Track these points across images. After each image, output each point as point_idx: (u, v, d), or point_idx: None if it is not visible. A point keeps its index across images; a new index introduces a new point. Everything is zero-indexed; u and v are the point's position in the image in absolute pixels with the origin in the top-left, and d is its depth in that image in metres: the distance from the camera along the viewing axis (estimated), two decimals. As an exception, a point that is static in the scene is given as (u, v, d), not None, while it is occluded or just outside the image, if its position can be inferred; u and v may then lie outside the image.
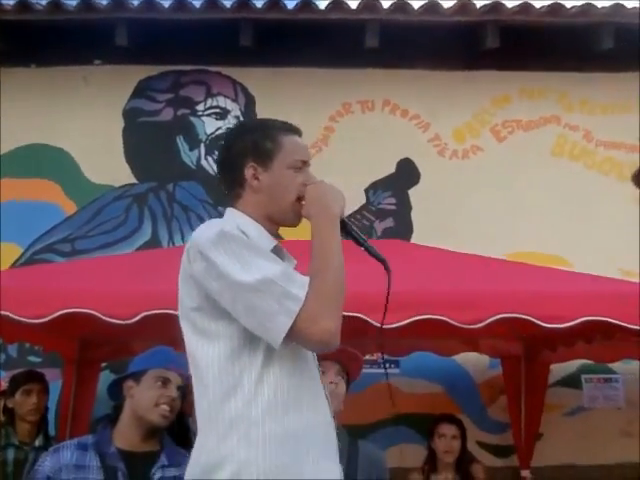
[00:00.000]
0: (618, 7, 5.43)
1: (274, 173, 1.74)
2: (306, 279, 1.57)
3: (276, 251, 1.72)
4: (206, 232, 1.62)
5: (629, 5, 5.49)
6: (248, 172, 1.74)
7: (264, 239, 1.71)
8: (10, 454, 3.69)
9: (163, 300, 3.10)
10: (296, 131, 1.81)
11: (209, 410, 1.60)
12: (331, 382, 2.57)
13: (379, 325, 3.18)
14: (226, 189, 1.80)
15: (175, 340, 3.55)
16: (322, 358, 2.58)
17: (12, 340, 4.41)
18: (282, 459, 1.54)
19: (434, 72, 5.74)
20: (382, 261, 1.73)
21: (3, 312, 3.13)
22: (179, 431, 3.46)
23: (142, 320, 3.07)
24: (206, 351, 1.61)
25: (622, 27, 5.46)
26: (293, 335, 1.53)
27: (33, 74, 5.73)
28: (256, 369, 1.58)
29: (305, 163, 1.77)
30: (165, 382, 2.60)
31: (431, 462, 4.07)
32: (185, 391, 2.68)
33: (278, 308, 1.53)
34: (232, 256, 1.57)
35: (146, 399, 2.57)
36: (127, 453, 2.53)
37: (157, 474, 2.52)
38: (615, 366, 5.07)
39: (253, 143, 1.75)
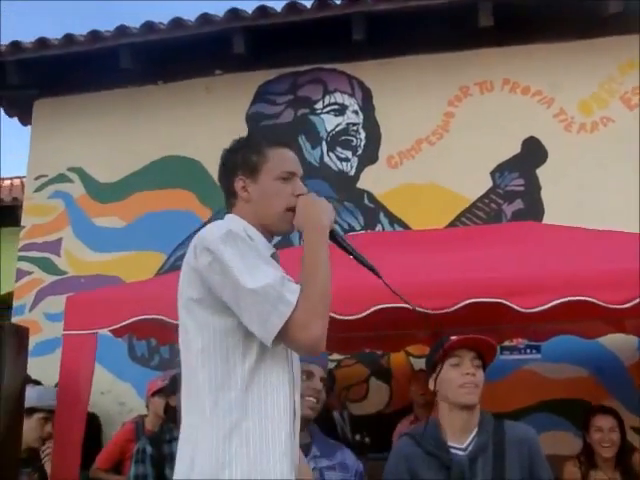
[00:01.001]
0: None
1: (262, 184, 1.85)
2: (298, 286, 1.67)
3: (274, 258, 1.82)
4: (214, 230, 1.73)
5: None
6: (237, 184, 1.87)
7: (263, 245, 1.81)
8: (175, 448, 3.91)
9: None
10: (284, 144, 1.92)
11: (199, 400, 1.70)
12: (467, 373, 2.55)
13: (520, 309, 3.16)
14: (225, 198, 1.93)
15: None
16: (458, 347, 2.60)
17: (166, 341, 4.66)
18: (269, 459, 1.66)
19: (552, 45, 5.54)
20: (371, 269, 1.82)
21: (158, 316, 3.33)
22: (326, 422, 3.56)
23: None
24: (203, 341, 1.71)
25: None
26: (283, 338, 1.63)
27: (160, 90, 6.05)
28: (249, 364, 1.68)
29: (293, 174, 1.87)
30: (309, 375, 2.64)
31: (588, 456, 3.78)
32: (331, 384, 2.74)
33: (272, 310, 1.62)
34: (237, 255, 1.66)
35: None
36: None
37: (310, 465, 2.58)
38: None
39: (242, 157, 1.88)
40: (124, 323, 3.50)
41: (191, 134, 5.90)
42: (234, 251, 1.67)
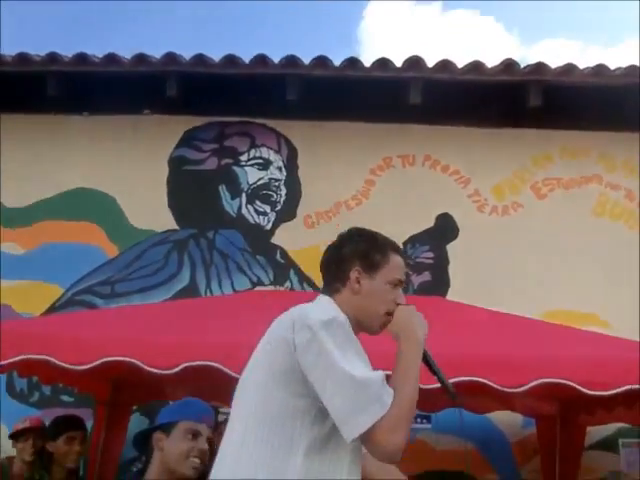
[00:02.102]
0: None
1: (375, 283, 1.91)
2: (392, 391, 1.70)
3: None
4: (317, 311, 1.77)
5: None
6: (353, 274, 1.91)
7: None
8: None
9: (202, 351, 3.15)
10: (401, 252, 2.01)
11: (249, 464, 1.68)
12: None
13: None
14: (326, 280, 1.97)
15: (205, 391, 3.60)
16: None
17: (49, 382, 4.48)
18: None
19: (475, 129, 5.80)
20: (452, 394, 1.92)
21: (44, 357, 3.20)
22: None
23: (181, 370, 3.11)
24: (271, 412, 1.71)
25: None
26: (365, 438, 1.65)
27: (85, 122, 5.95)
28: (309, 451, 1.68)
29: (401, 283, 1.95)
30: (196, 435, 2.59)
31: None
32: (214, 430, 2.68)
33: (365, 406, 1.64)
34: (340, 342, 1.70)
35: (177, 452, 2.55)
36: None
37: None
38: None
39: (365, 251, 1.93)
40: (10, 360, 3.34)
41: (110, 169, 5.81)
42: (338, 338, 1.71)
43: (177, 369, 3.11)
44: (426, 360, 1.89)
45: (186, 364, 3.10)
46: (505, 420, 5.02)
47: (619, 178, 5.77)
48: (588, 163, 5.79)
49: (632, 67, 5.50)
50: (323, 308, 1.82)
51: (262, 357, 1.79)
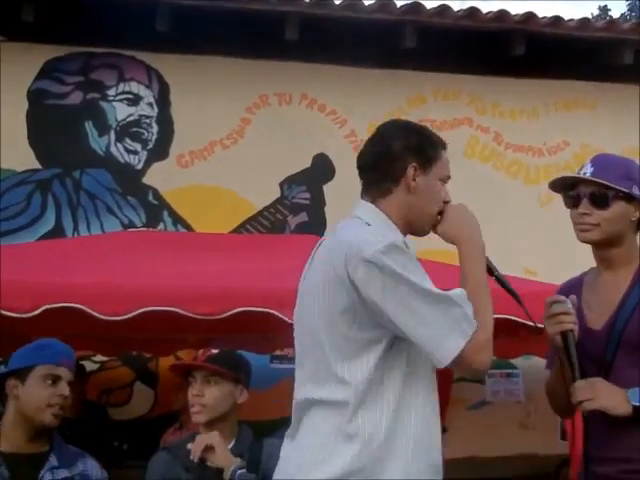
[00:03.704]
0: (529, 16, 5.60)
1: (429, 180, 1.78)
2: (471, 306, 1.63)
3: None
4: (371, 240, 1.63)
5: (540, 14, 5.68)
6: (410, 170, 1.76)
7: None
8: None
9: (66, 293, 2.99)
10: (446, 147, 1.88)
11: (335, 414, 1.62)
12: (195, 394, 2.55)
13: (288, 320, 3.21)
14: (372, 181, 1.80)
15: (69, 335, 3.42)
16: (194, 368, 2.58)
17: None
18: None
19: (352, 69, 5.75)
20: (514, 295, 1.81)
21: None
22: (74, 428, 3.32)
23: (42, 313, 2.93)
24: (344, 355, 1.63)
25: (534, 35, 5.64)
26: (456, 358, 1.58)
27: None
28: (396, 388, 1.63)
29: (448, 179, 1.86)
30: (55, 380, 2.41)
31: None
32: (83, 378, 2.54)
33: (456, 327, 1.57)
34: (407, 268, 1.60)
35: (35, 400, 2.37)
36: (11, 455, 2.36)
37: (46, 476, 2.37)
38: (516, 362, 5.25)
39: (419, 145, 1.79)
40: None
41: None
42: (404, 263, 1.59)
43: (37, 312, 2.92)
44: (487, 264, 1.78)
45: (46, 307, 2.92)
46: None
47: (489, 121, 5.95)
48: (459, 105, 5.92)
49: (502, 11, 5.62)
50: (374, 232, 1.67)
51: (322, 297, 1.67)
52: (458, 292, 1.63)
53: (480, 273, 1.71)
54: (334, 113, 5.73)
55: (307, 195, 5.57)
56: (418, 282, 1.59)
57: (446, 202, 1.82)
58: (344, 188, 5.53)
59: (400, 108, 5.83)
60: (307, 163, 5.60)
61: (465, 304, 1.61)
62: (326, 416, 1.64)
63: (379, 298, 1.59)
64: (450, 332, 1.57)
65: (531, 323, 1.93)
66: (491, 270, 1.80)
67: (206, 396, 2.53)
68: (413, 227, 1.79)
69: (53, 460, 2.41)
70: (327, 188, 5.57)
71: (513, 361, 5.22)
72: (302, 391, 1.72)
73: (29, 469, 2.36)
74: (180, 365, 2.97)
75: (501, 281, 1.82)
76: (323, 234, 5.39)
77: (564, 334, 1.87)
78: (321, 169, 5.59)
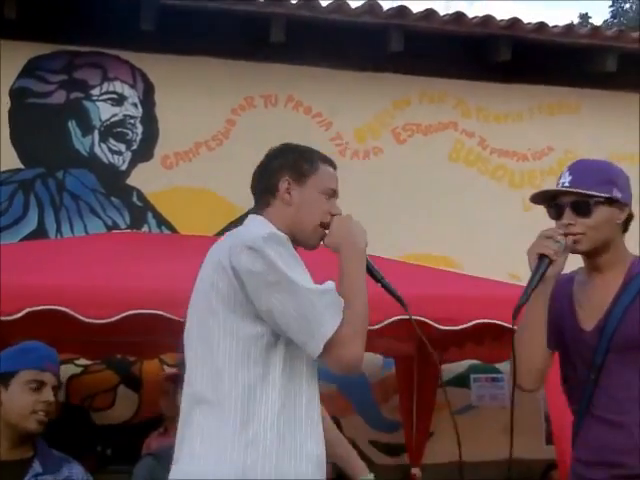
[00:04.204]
0: (515, 21, 5.63)
1: (305, 192, 1.86)
2: (343, 301, 1.69)
3: None
4: (253, 231, 1.74)
5: (525, 20, 5.71)
6: (282, 184, 1.86)
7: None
8: None
9: (50, 296, 2.94)
10: (332, 164, 1.95)
11: (221, 403, 1.65)
12: None
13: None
14: (257, 196, 1.92)
15: (53, 338, 3.38)
16: None
17: None
18: None
19: (338, 71, 5.74)
20: (398, 299, 1.88)
21: None
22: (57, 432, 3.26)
23: (25, 316, 2.88)
24: (229, 345, 1.67)
25: (519, 40, 5.67)
26: (324, 353, 1.64)
27: None
28: (273, 375, 1.68)
29: (335, 194, 1.91)
30: (40, 386, 2.35)
31: None
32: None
33: (324, 317, 1.63)
34: (284, 258, 1.67)
35: (19, 406, 2.32)
36: None
37: None
38: (501, 366, 5.26)
39: (293, 160, 1.89)
40: None
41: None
42: (281, 253, 1.66)
43: (20, 314, 2.87)
44: (370, 270, 1.84)
45: (30, 309, 2.87)
46: (366, 361, 5.14)
47: (474, 125, 5.96)
48: (445, 109, 5.94)
49: (487, 16, 5.64)
50: (258, 226, 1.77)
51: (208, 288, 1.72)
52: (330, 285, 1.70)
53: (355, 273, 1.77)
54: (320, 115, 5.72)
55: (291, 197, 5.54)
56: (289, 273, 1.65)
57: (333, 215, 1.87)
58: (330, 191, 5.56)
59: (386, 111, 5.84)
60: (293, 165, 5.57)
61: (336, 295, 1.68)
62: (209, 415, 1.68)
63: (256, 283, 1.66)
64: (320, 321, 1.64)
65: (415, 325, 2.02)
66: (373, 274, 1.86)
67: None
68: (297, 239, 1.85)
69: (37, 466, 2.35)
70: (312, 191, 5.55)
71: (498, 366, 5.23)
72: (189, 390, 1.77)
73: (12, 477, 2.30)
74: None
75: (385, 285, 1.88)
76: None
77: (541, 256, 1.88)
78: (307, 171, 5.56)
